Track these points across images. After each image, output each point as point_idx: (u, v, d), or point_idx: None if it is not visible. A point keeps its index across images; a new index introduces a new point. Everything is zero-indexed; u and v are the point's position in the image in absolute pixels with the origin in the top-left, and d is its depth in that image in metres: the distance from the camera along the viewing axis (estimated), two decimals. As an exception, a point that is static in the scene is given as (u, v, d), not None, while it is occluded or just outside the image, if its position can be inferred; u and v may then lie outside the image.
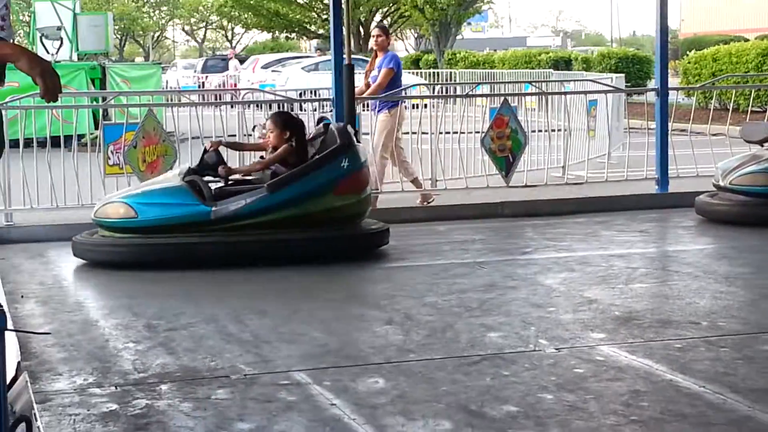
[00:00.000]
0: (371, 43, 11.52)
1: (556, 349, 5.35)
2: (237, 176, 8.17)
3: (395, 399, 4.59)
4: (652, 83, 13.01)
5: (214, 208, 7.68)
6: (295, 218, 7.77)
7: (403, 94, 12.85)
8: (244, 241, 7.69)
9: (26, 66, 3.39)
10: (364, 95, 10.92)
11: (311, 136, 8.41)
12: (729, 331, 5.73)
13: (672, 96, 11.58)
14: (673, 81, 17.91)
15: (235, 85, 31.93)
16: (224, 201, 7.73)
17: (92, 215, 8.01)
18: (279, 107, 11.75)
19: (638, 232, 9.20)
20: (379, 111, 10.77)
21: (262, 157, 8.28)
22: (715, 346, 5.38)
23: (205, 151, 8.02)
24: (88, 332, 5.87)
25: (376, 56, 10.95)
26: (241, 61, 38.78)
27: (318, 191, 7.81)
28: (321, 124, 8.51)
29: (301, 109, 11.88)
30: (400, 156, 10.75)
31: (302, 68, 31.36)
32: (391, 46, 10.95)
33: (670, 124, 10.99)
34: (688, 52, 25.42)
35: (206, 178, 7.93)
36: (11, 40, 3.65)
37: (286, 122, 8.08)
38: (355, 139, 8.25)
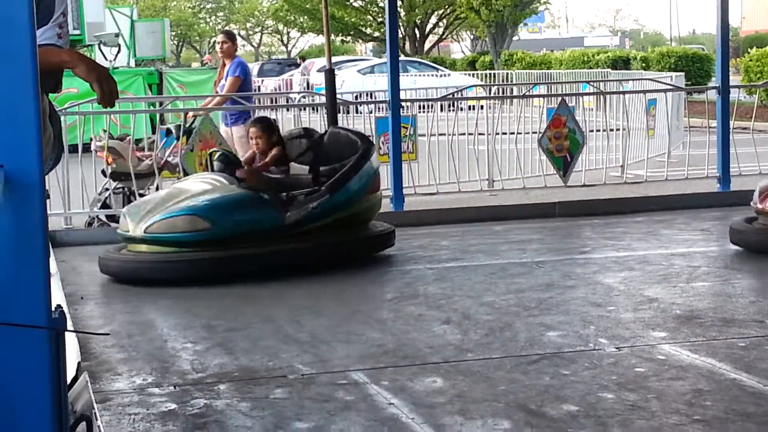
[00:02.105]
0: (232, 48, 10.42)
1: (617, 348, 5.28)
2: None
3: (453, 398, 4.55)
4: (713, 82, 12.86)
5: (287, 214, 7.49)
6: (342, 220, 7.73)
7: (461, 95, 12.81)
8: (309, 246, 7.50)
9: (83, 72, 3.42)
10: (209, 106, 10.32)
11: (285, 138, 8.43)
12: (794, 329, 5.62)
13: (733, 94, 11.44)
14: (734, 79, 17.68)
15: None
16: (291, 206, 7.55)
17: (142, 232, 7.27)
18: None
19: (699, 230, 9.08)
20: (232, 124, 10.15)
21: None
22: (779, 345, 5.29)
23: (211, 156, 7.96)
24: (147, 333, 5.90)
25: (224, 65, 10.44)
26: (296, 65, 38.93)
27: (361, 191, 7.84)
28: (301, 129, 8.57)
29: (357, 112, 11.91)
30: None
31: (358, 71, 31.43)
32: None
33: (731, 122, 10.83)
34: (749, 50, 25.10)
35: None
36: (68, 47, 3.68)
37: (271, 126, 8.21)
38: None
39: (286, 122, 11.11)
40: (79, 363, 4.79)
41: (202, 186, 7.65)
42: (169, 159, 9.80)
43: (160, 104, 12.84)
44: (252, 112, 10.23)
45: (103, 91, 3.40)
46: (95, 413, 4.30)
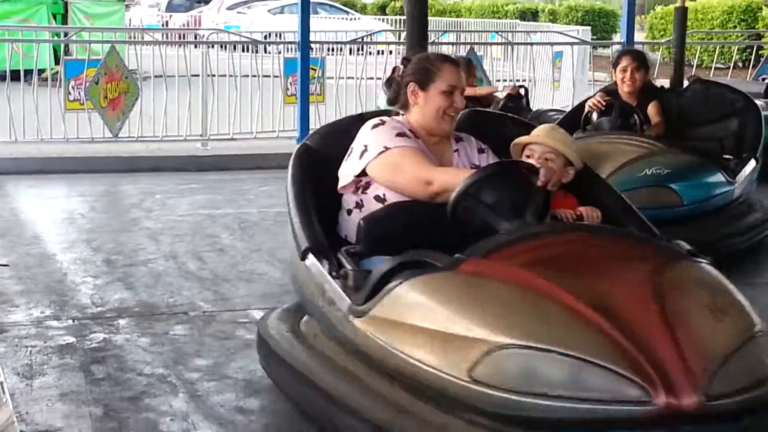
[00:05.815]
0: None
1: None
2: None
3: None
4: (618, 37, 13.03)
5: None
6: None
7: (370, 39, 12.80)
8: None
9: None
10: None
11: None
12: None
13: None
14: (638, 36, 17.89)
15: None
16: None
17: None
18: (243, 49, 11.67)
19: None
20: None
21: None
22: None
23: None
24: (46, 266, 5.84)
25: None
26: (206, 2, 38.29)
27: None
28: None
29: (265, 52, 11.80)
30: None
31: (268, 11, 31.05)
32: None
33: (634, 77, 10.99)
34: (654, 8, 25.44)
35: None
36: None
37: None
38: None
39: (194, 59, 10.94)
40: (-25, 293, 4.74)
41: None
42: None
43: (65, 35, 12.55)
44: None
45: None
46: (-8, 344, 4.27)
